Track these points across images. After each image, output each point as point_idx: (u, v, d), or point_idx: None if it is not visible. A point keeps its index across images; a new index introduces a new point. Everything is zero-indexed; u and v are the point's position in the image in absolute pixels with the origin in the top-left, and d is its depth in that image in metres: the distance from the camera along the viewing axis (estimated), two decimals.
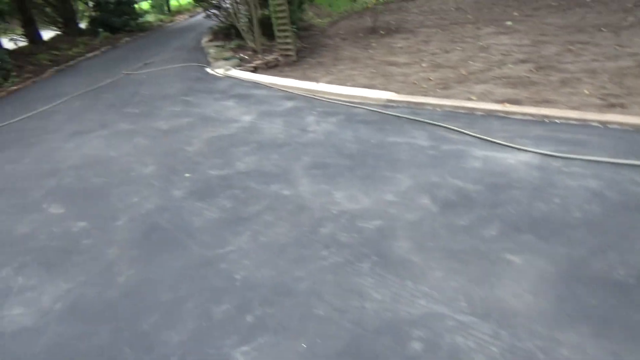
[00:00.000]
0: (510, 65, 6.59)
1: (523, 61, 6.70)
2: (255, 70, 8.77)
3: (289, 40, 8.79)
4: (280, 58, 9.12)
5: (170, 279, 2.70)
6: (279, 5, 8.62)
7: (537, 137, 4.10)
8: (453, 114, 5.03)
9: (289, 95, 6.71)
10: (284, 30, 8.77)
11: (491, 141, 4.10)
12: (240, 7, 9.74)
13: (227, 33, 11.40)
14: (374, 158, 4.08)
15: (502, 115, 4.77)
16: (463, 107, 5.08)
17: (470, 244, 2.70)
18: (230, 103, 6.62)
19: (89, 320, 2.44)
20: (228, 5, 11.01)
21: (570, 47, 6.98)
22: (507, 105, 4.88)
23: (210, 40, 12.03)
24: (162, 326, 2.34)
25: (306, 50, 10.12)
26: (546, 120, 4.48)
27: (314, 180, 3.79)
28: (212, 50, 10.51)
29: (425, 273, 2.50)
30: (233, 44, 10.53)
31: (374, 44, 9.75)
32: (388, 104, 5.66)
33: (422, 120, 4.87)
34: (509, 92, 5.47)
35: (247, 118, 5.80)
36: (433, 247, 2.71)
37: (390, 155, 4.10)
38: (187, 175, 4.20)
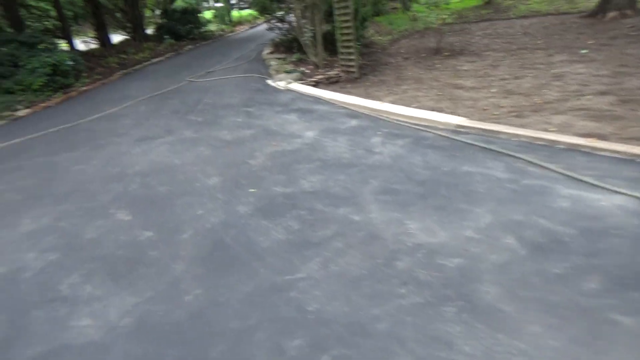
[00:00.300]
0: (589, 97, 6.18)
1: (603, 93, 6.27)
2: (316, 85, 8.71)
3: (352, 57, 8.69)
4: (342, 74, 9.04)
5: (239, 304, 2.57)
6: (345, 21, 8.56)
7: (629, 178, 3.74)
8: (530, 145, 4.72)
9: (352, 113, 6.57)
10: (348, 47, 8.69)
11: (578, 179, 3.78)
12: (304, 21, 9.76)
13: (288, 46, 11.48)
14: (447, 187, 3.85)
15: (587, 150, 4.41)
16: (542, 139, 4.76)
17: (569, 297, 2.42)
18: (292, 117, 6.55)
19: (156, 341, 2.34)
20: (292, 19, 11.09)
21: None
22: (593, 140, 4.52)
23: (272, 53, 12.15)
24: (231, 357, 2.20)
25: (368, 67, 10.01)
26: (638, 160, 4.10)
27: (384, 207, 3.59)
28: (273, 63, 10.58)
29: (521, 327, 2.25)
30: (295, 57, 10.56)
31: (438, 65, 9.51)
32: (458, 130, 5.41)
33: (497, 149, 4.59)
34: (591, 125, 5.09)
35: (309, 134, 5.69)
36: (526, 297, 2.45)
37: (465, 185, 3.86)
38: (251, 190, 4.11)
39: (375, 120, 6.08)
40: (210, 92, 8.73)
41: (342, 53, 8.93)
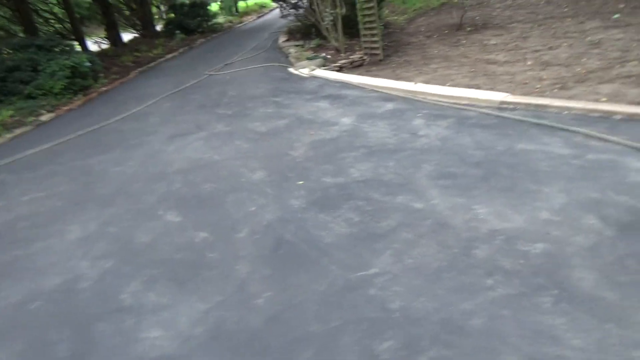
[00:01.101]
0: (634, 62, 5.88)
1: None
2: (340, 69, 8.49)
3: (376, 39, 8.43)
4: (365, 57, 8.79)
5: (316, 305, 2.44)
6: (368, 1, 8.29)
7: None
8: (585, 117, 4.47)
9: (385, 96, 6.35)
10: (372, 29, 8.43)
11: None
12: (322, 5, 9.48)
13: (306, 32, 11.23)
14: (507, 168, 3.64)
15: None
16: (596, 110, 4.51)
17: None
18: (323, 104, 6.36)
19: (237, 351, 2.22)
20: (306, 4, 10.83)
21: None
22: None
23: (287, 40, 11.91)
24: None
25: (390, 48, 9.73)
26: None
27: (445, 192, 3.41)
28: (292, 50, 10.36)
29: (629, 315, 2.07)
30: (314, 43, 10.32)
31: (463, 41, 9.20)
32: (502, 106, 5.17)
33: (551, 124, 4.35)
34: None
35: (346, 120, 5.51)
36: (626, 282, 2.26)
37: (527, 164, 3.65)
38: (300, 182, 3.95)
39: (412, 102, 5.87)
40: (233, 84, 8.57)
41: (365, 35, 8.67)
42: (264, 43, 13.35)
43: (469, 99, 5.53)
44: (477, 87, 6.05)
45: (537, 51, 7.39)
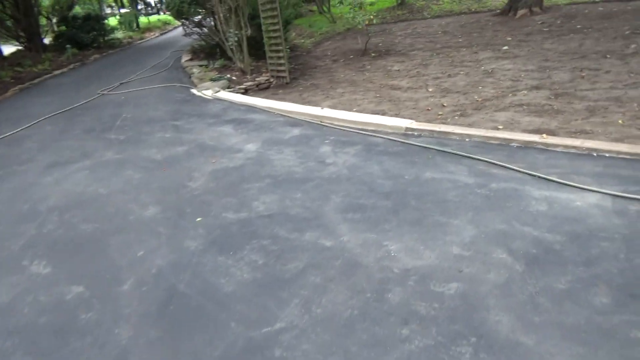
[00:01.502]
0: (524, 92, 6.28)
1: (537, 88, 6.40)
2: (246, 92, 8.18)
3: (282, 62, 8.26)
4: (272, 79, 8.57)
5: None
6: (273, 24, 8.11)
7: (594, 174, 3.68)
8: (485, 145, 4.60)
9: (292, 121, 6.14)
10: (278, 51, 8.25)
11: (546, 178, 3.66)
12: (227, 25, 9.15)
13: (210, 52, 10.80)
14: (416, 198, 3.55)
15: (542, 147, 4.36)
16: (495, 138, 4.65)
17: (584, 317, 2.19)
18: (227, 129, 5.99)
19: None
20: (212, 23, 10.44)
21: (581, 74, 6.75)
22: (546, 136, 4.48)
23: (191, 59, 11.38)
24: None
25: (297, 71, 9.63)
26: (594, 154, 4.09)
27: (355, 227, 3.21)
28: (195, 70, 9.86)
29: None
30: (218, 63, 9.93)
31: (368, 67, 9.36)
32: (408, 133, 5.18)
33: (455, 152, 4.40)
34: (536, 120, 5.10)
35: (251, 147, 5.19)
36: (541, 323, 2.18)
37: (435, 195, 3.59)
38: (198, 219, 3.54)
39: (319, 128, 5.71)
40: (129, 106, 7.87)
41: (271, 57, 8.47)
42: (166, 61, 12.65)
43: (375, 124, 5.50)
44: (383, 112, 6.07)
45: (437, 78, 7.68)
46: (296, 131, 5.64)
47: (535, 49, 8.74)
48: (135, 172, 4.68)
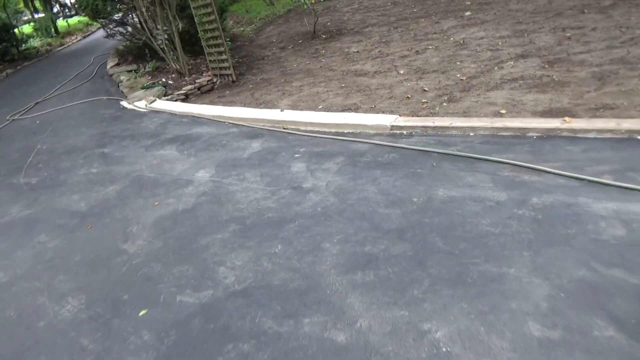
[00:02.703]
0: (510, 63, 5.43)
1: (522, 56, 5.58)
2: (186, 98, 6.95)
3: (224, 57, 7.05)
4: (215, 79, 7.35)
5: None
6: (207, 14, 6.87)
7: None
8: (497, 139, 3.70)
9: (249, 131, 5.04)
10: (217, 45, 7.03)
11: (601, 182, 2.78)
12: (152, 22, 7.78)
13: (138, 54, 9.37)
14: (441, 235, 2.60)
15: (569, 134, 3.50)
16: (506, 128, 3.76)
17: None
18: (169, 152, 4.82)
19: None
20: (135, 20, 9.01)
21: (566, 35, 5.98)
22: (569, 119, 3.62)
23: (118, 64, 9.90)
24: None
25: (243, 65, 8.42)
26: (637, 136, 3.26)
27: (372, 299, 2.23)
28: (123, 78, 8.46)
29: None
30: (150, 66, 8.57)
31: (322, 51, 8.29)
32: (396, 132, 4.22)
33: (465, 154, 3.47)
34: (542, 98, 4.25)
35: (203, 175, 4.08)
36: None
37: (463, 225, 2.65)
38: (142, 313, 2.45)
39: (283, 137, 4.64)
40: (45, 132, 6.47)
41: (211, 54, 7.24)
42: (90, 69, 11.05)
43: (352, 125, 4.49)
44: (356, 107, 5.06)
45: (404, 57, 6.73)
46: (256, 145, 4.55)
47: (501, 12, 7.94)
48: (50, 236, 3.47)
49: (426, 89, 5.19)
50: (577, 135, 3.45)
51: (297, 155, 4.11)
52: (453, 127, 3.96)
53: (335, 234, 2.81)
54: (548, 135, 3.54)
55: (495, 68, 5.38)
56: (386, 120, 4.34)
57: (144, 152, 4.94)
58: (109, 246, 3.16)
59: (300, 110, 5.30)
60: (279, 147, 4.38)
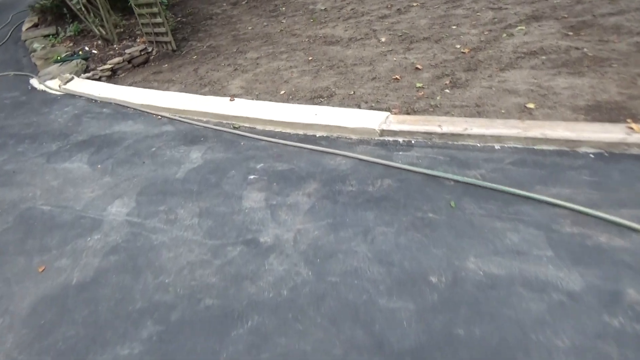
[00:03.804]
0: (521, 28, 4.28)
1: (535, 18, 4.42)
2: (113, 74, 5.49)
3: (159, 19, 5.56)
4: (150, 49, 5.88)
5: None
6: None
7: None
8: (534, 155, 2.62)
9: (188, 130, 3.76)
10: (150, 4, 5.51)
11: None
12: None
13: (58, 14, 7.63)
14: None
15: None
16: (546, 140, 2.67)
17: None
18: (78, 165, 3.53)
19: None
20: None
21: None
22: (636, 126, 2.53)
23: (35, 26, 8.10)
24: None
25: (186, 27, 6.89)
26: None
27: None
28: (37, 45, 6.80)
29: None
30: (71, 30, 6.92)
31: (282, 8, 6.84)
32: (387, 140, 3.05)
33: (500, 188, 2.36)
34: (581, 84, 3.17)
35: (118, 212, 2.85)
36: None
37: (524, 348, 1.58)
38: None
39: (234, 143, 3.41)
40: None
41: (142, 15, 5.71)
42: (4, 31, 9.16)
43: (326, 127, 3.29)
44: (329, 94, 3.84)
45: (384, 17, 5.44)
46: (196, 156, 3.31)
47: None
48: None
49: (419, 66, 3.99)
50: None
51: (251, 177, 2.92)
52: (468, 136, 2.82)
53: (311, 358, 1.70)
54: (611, 153, 2.47)
55: (504, 35, 4.21)
56: (374, 121, 3.16)
57: (43, 165, 3.62)
58: None
59: (257, 97, 4.03)
60: (227, 161, 3.16)
